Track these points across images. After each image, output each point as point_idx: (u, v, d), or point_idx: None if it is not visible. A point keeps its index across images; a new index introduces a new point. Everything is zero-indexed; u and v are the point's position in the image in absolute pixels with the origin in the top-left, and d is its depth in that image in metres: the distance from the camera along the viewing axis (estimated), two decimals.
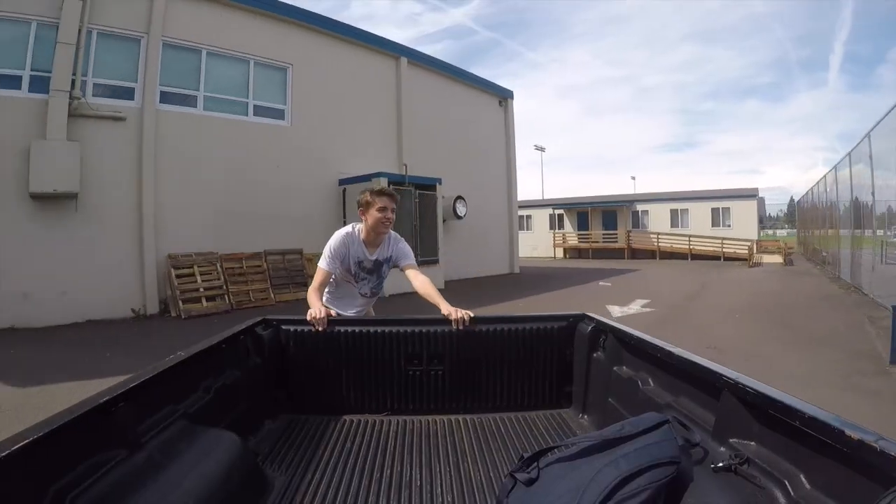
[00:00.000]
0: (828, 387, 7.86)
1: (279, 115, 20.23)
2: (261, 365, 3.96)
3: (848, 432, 1.61)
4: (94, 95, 16.02)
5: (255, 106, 19.66)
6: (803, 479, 1.88)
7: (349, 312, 4.80)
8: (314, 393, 4.27)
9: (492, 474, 3.16)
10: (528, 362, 4.31)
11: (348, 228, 4.67)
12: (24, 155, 14.65)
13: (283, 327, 4.26)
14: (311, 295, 4.47)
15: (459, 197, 23.87)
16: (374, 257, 4.69)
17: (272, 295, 18.12)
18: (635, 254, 43.80)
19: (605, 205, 47.58)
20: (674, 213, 44.54)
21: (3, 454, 1.57)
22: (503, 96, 30.85)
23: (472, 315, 4.17)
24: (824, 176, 26.05)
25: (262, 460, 3.23)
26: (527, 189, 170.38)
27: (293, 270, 19.26)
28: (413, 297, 4.92)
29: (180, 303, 15.94)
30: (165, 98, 17.44)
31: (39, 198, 14.79)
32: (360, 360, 4.26)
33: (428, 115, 25.21)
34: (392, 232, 4.78)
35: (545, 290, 21.49)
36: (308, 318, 4.17)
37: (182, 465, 2.33)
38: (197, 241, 17.38)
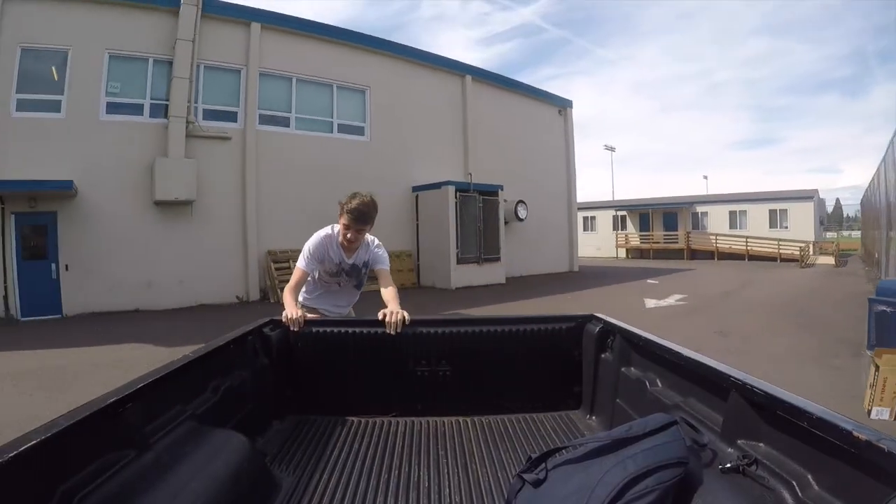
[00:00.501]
0: (798, 363, 8.93)
1: (359, 131, 22.45)
2: (268, 365, 3.91)
3: (856, 433, 1.58)
4: (204, 119, 18.74)
5: (338, 124, 21.97)
6: (811, 480, 1.85)
7: (331, 312, 4.76)
8: (322, 394, 4.19)
9: (500, 475, 3.09)
10: (536, 363, 4.21)
11: (328, 230, 4.60)
12: (148, 170, 17.45)
13: (291, 328, 4.10)
14: (287, 295, 4.37)
15: (521, 201, 25.30)
16: (351, 261, 4.63)
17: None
18: (695, 254, 43.24)
19: (666, 206, 47.31)
20: (732, 214, 43.92)
21: (12, 454, 1.55)
22: (562, 106, 31.50)
23: (407, 317, 4.06)
24: (875, 174, 24.63)
25: (269, 461, 3.18)
26: (597, 189, 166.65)
27: None
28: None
29: (278, 291, 18.11)
30: (263, 120, 20.07)
31: (162, 204, 17.49)
32: (367, 360, 4.17)
33: (491, 127, 26.41)
34: (370, 237, 4.71)
35: (596, 286, 22.49)
36: (283, 319, 4.07)
37: (190, 465, 2.31)
38: (291, 239, 19.33)
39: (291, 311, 4.04)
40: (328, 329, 4.14)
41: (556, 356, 4.17)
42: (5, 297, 16.00)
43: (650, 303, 17.37)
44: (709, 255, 42.01)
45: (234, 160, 19.19)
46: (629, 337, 3.55)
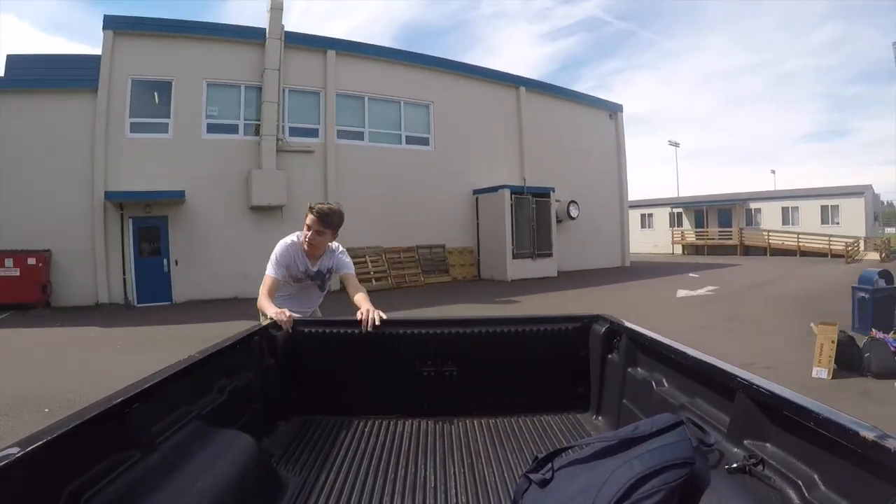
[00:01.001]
0: (775, 339, 10.01)
1: (425, 142, 24.07)
2: (274, 366, 3.80)
3: (862, 433, 1.52)
4: (290, 136, 20.88)
5: (406, 136, 23.70)
6: (818, 481, 1.79)
7: (298, 313, 4.46)
8: (327, 394, 4.09)
9: (506, 475, 3.03)
10: (542, 363, 4.11)
11: (293, 237, 4.54)
12: (244, 180, 19.66)
13: (297, 329, 4.03)
14: (264, 301, 4.26)
15: (573, 201, 26.17)
16: (315, 268, 4.59)
17: (422, 278, 22.04)
18: (748, 251, 42.39)
19: (721, 203, 46.76)
20: (784, 210, 43.15)
21: (19, 454, 1.49)
22: (612, 110, 31.91)
23: (383, 316, 3.98)
24: None
25: (275, 461, 3.14)
26: (661, 185, 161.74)
27: (437, 260, 23.06)
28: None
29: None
30: (341, 134, 22.02)
31: (257, 209, 19.62)
32: (373, 361, 4.06)
33: (545, 132, 27.25)
34: (334, 244, 4.68)
35: (638, 279, 23.31)
36: (274, 318, 3.95)
37: (196, 466, 2.26)
38: (367, 238, 21.42)
39: (276, 312, 3.96)
40: (333, 330, 4.06)
41: (563, 356, 4.09)
42: (124, 287, 18.46)
43: (681, 293, 18.27)
44: (761, 251, 41.24)
45: (317, 170, 21.24)
46: (635, 337, 3.48)
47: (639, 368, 3.43)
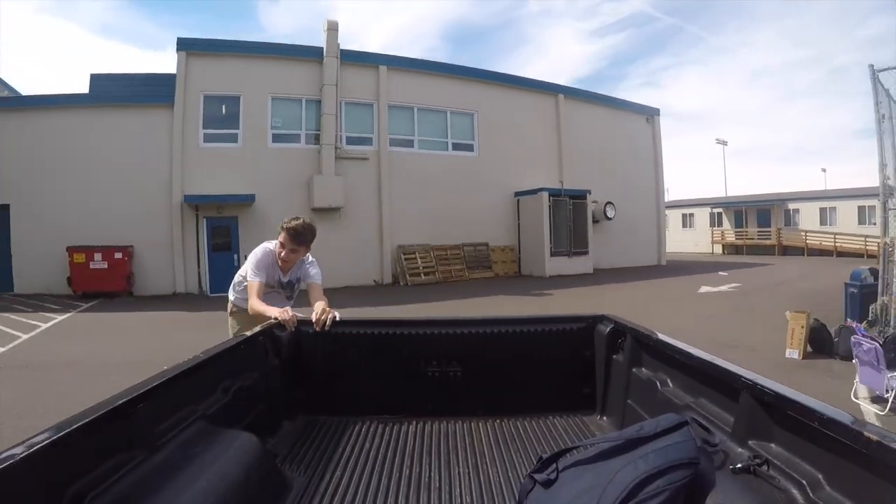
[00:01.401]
0: (771, 327, 10.57)
1: (469, 148, 25.11)
2: (279, 366, 3.74)
3: (866, 433, 1.51)
4: (347, 144, 22.21)
5: (452, 143, 24.81)
6: (822, 480, 1.77)
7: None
8: (332, 394, 4.02)
9: (511, 476, 2.97)
10: (547, 363, 4.04)
11: (269, 246, 4.51)
12: (306, 184, 21.09)
13: (301, 329, 3.96)
14: (259, 305, 4.19)
15: (609, 202, 26.82)
16: (286, 278, 4.61)
17: (466, 273, 23.08)
18: (786, 251, 41.43)
19: (760, 203, 45.88)
20: (822, 211, 41.99)
21: (23, 455, 1.47)
22: (649, 114, 31.99)
23: (337, 317, 3.94)
24: None
25: (280, 461, 3.08)
26: (708, 184, 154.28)
27: (481, 257, 24.11)
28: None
29: (407, 276, 21.47)
30: (393, 143, 23.27)
31: (318, 210, 20.83)
32: (377, 361, 4.01)
33: (583, 137, 27.65)
34: (308, 255, 4.70)
35: (668, 276, 23.84)
36: (278, 318, 3.87)
37: (200, 466, 2.20)
38: (417, 236, 22.85)
39: (279, 313, 3.88)
40: (338, 330, 3.95)
41: (567, 356, 4.03)
42: (199, 279, 20.16)
43: (704, 289, 18.89)
44: (799, 251, 40.31)
45: (372, 175, 22.57)
46: (640, 337, 3.44)
47: (643, 369, 3.40)
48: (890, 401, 6.44)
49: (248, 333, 3.50)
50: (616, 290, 19.07)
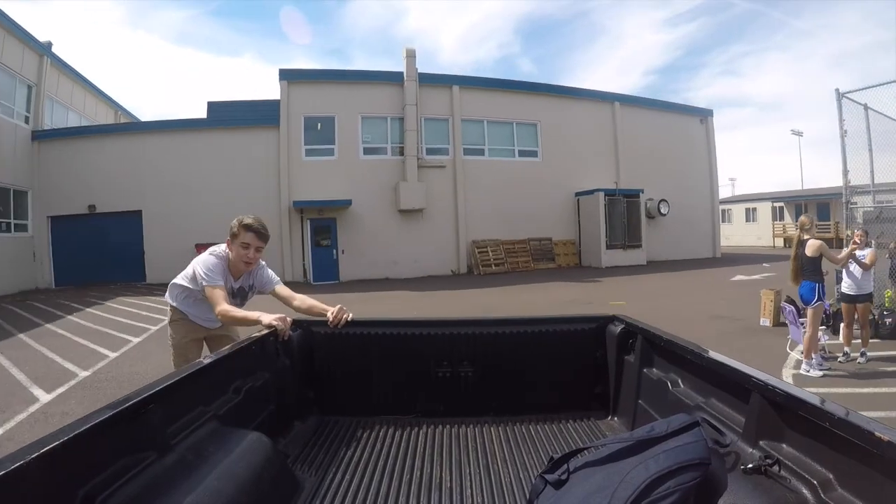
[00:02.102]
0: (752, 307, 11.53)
1: (534, 154, 26.81)
2: (290, 366, 3.61)
3: (877, 433, 1.46)
4: (427, 154, 24.45)
5: (518, 150, 26.62)
6: (833, 481, 1.73)
7: (201, 322, 4.20)
8: (343, 394, 3.90)
9: (521, 476, 2.90)
10: (558, 364, 3.92)
11: (220, 252, 3.98)
12: (393, 189, 23.45)
13: (313, 329, 3.87)
14: (237, 312, 3.69)
15: (663, 199, 27.82)
16: (238, 285, 4.08)
17: (532, 264, 24.88)
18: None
19: (819, 197, 44.70)
20: (879, 204, 39.83)
21: (34, 456, 1.44)
22: (703, 115, 32.42)
23: (350, 316, 3.78)
24: None
25: (291, 461, 3.02)
26: (786, 176, 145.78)
27: (545, 250, 25.87)
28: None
29: (480, 267, 23.49)
30: (466, 152, 25.35)
31: (403, 211, 23.42)
32: (388, 361, 3.89)
33: (638, 140, 28.54)
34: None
35: (714, 267, 24.43)
36: (274, 324, 3.45)
37: (212, 466, 2.16)
38: (488, 233, 24.92)
39: (273, 319, 3.48)
40: (349, 330, 3.84)
41: (578, 357, 3.92)
42: (304, 270, 22.89)
43: (738, 277, 19.76)
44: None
45: (448, 180, 24.79)
46: (650, 338, 3.34)
47: (654, 369, 3.30)
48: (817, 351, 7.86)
49: (257, 334, 3.33)
50: (658, 278, 20.31)
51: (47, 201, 22.51)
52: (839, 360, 8.19)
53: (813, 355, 7.74)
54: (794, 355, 8.28)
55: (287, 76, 23.59)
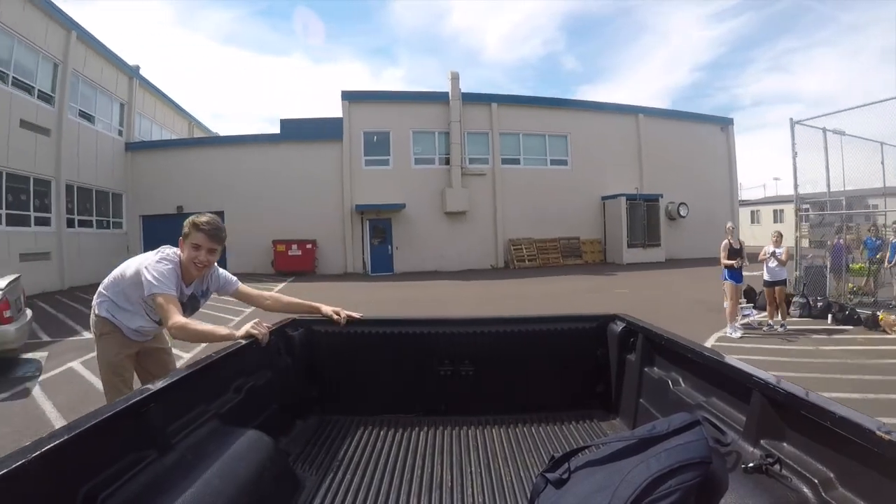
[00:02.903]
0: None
1: (564, 163, 29.35)
2: (291, 366, 3.56)
3: (879, 433, 1.46)
4: (469, 164, 27.27)
5: (550, 160, 29.27)
6: (834, 480, 1.73)
7: (133, 332, 3.64)
8: (344, 393, 3.84)
9: (523, 475, 2.87)
10: (559, 363, 3.86)
11: (170, 255, 3.39)
12: (440, 194, 26.44)
13: (314, 328, 3.79)
14: (196, 326, 3.09)
15: (682, 203, 29.74)
16: (189, 291, 3.53)
17: (561, 260, 27.47)
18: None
19: (837, 199, 45.38)
20: None
21: (35, 454, 1.42)
22: (724, 124, 33.83)
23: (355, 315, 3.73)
24: None
25: (293, 460, 2.99)
26: (833, 177, 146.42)
27: (573, 248, 28.37)
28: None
29: (515, 262, 26.34)
30: (504, 161, 28.14)
31: (449, 213, 26.46)
32: (390, 361, 3.83)
33: (661, 148, 30.36)
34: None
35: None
36: (253, 333, 2.99)
37: (213, 465, 2.12)
38: (523, 232, 27.65)
39: (243, 329, 3.03)
40: (351, 329, 3.77)
41: (579, 356, 3.86)
42: (363, 263, 26.04)
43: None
44: None
45: (488, 187, 27.62)
46: (651, 337, 3.29)
47: (655, 368, 3.26)
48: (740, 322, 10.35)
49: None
50: (669, 273, 22.24)
51: (139, 203, 26.19)
52: (764, 329, 10.72)
53: (735, 322, 10.47)
54: (728, 327, 10.58)
55: (348, 97, 26.88)
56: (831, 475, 1.75)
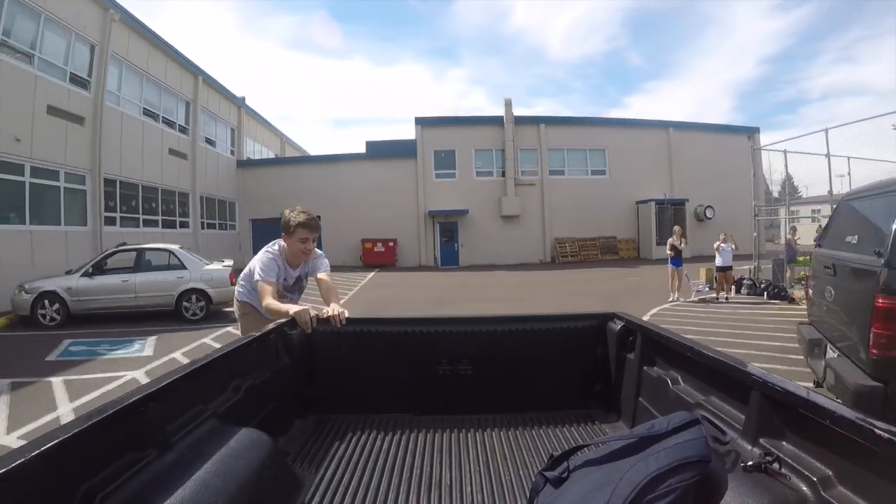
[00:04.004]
0: None
1: (602, 173, 33.33)
2: (290, 364, 3.51)
3: (877, 431, 1.43)
4: (522, 175, 31.78)
5: (591, 170, 33.31)
6: (833, 478, 1.70)
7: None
8: (343, 392, 3.77)
9: (522, 474, 2.82)
10: (558, 361, 3.79)
11: (274, 249, 4.13)
12: (497, 201, 31.07)
13: (313, 327, 3.68)
14: (274, 304, 3.81)
15: (709, 206, 32.73)
16: (296, 274, 4.26)
17: (600, 256, 31.42)
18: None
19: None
20: None
21: (34, 453, 1.41)
22: (750, 133, 34.59)
23: (346, 314, 3.69)
24: None
25: (291, 459, 2.95)
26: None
27: (609, 245, 32.27)
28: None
29: (559, 257, 30.63)
30: (551, 173, 32.42)
31: (505, 217, 31.01)
32: (389, 360, 3.77)
33: (690, 157, 33.07)
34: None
35: (740, 260, 28.34)
36: (303, 320, 3.55)
37: (212, 464, 2.09)
38: (567, 232, 31.86)
39: (299, 310, 3.57)
40: (350, 329, 3.73)
41: (578, 354, 3.79)
42: (434, 258, 31.05)
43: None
44: None
45: (538, 194, 32.04)
46: (651, 335, 3.24)
47: (654, 367, 3.21)
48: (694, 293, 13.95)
49: (259, 333, 3.27)
50: (686, 266, 25.14)
51: (249, 209, 32.30)
52: (711, 300, 14.47)
53: (675, 293, 14.54)
54: (681, 300, 14.07)
55: (420, 122, 32.16)
56: (830, 473, 1.71)
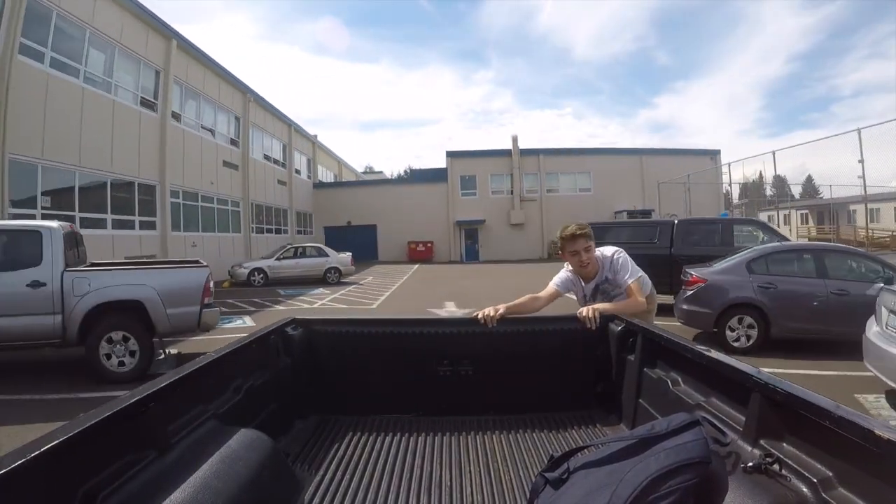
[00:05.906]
0: None
1: (588, 190, 41.44)
2: (290, 365, 3.47)
3: (877, 432, 1.42)
4: (525, 193, 40.56)
5: (578, 188, 41.67)
6: (834, 480, 1.68)
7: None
8: (344, 393, 3.71)
9: (522, 475, 2.78)
10: (559, 362, 3.69)
11: (567, 270, 4.11)
12: (507, 213, 40.14)
13: (313, 328, 3.69)
14: (523, 299, 3.83)
15: (674, 214, 33.89)
16: (592, 285, 3.99)
17: None
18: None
19: (834, 205, 46.62)
20: (870, 211, 37.39)
21: (34, 454, 1.39)
22: (712, 154, 40.86)
23: (600, 310, 3.50)
24: None
25: (292, 460, 2.89)
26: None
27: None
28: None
29: (555, 254, 35.13)
30: (548, 191, 40.98)
31: (513, 225, 39.89)
32: (389, 360, 3.70)
33: (659, 175, 36.56)
34: (602, 253, 3.96)
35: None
36: (478, 315, 3.54)
37: (212, 465, 2.07)
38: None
39: (490, 309, 3.51)
40: (349, 329, 3.70)
41: (579, 355, 3.67)
42: (460, 254, 39.82)
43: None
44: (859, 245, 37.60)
45: (538, 208, 40.41)
46: (651, 337, 3.17)
47: (655, 368, 3.15)
48: None
49: (258, 332, 3.25)
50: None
51: (322, 218, 42.02)
52: None
53: None
54: None
55: (450, 154, 41.37)
56: (831, 475, 1.69)
